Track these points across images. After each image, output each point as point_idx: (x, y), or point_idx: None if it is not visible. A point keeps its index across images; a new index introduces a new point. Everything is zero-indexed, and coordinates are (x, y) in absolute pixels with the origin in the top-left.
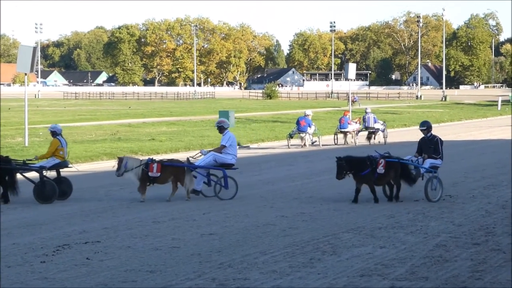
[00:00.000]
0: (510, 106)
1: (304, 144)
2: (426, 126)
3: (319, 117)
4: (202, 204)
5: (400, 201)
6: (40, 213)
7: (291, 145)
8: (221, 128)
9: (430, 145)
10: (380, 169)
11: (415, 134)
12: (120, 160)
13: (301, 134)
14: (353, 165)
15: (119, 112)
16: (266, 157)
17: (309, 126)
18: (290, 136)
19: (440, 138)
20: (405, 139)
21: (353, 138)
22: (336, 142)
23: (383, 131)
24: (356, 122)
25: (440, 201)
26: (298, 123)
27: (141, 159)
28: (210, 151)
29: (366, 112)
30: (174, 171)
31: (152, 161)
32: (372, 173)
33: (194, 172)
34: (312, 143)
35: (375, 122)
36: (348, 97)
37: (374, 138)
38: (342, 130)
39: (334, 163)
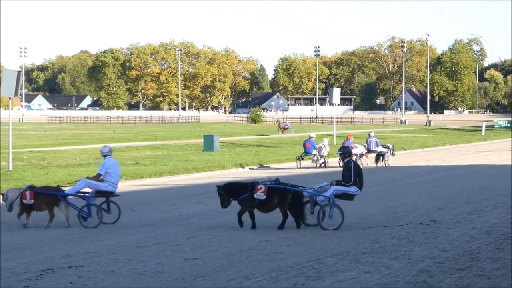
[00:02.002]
0: (495, 132)
1: (316, 165)
2: (341, 151)
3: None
4: (186, 229)
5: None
6: (24, 237)
7: (301, 166)
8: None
9: (345, 171)
10: (259, 195)
11: (399, 159)
12: (2, 196)
13: (311, 156)
14: (231, 192)
15: (104, 136)
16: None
17: (314, 148)
18: (301, 158)
19: (354, 165)
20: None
21: (359, 160)
22: (341, 164)
23: (383, 154)
24: (364, 146)
25: (340, 229)
26: (304, 145)
27: (20, 188)
28: (89, 178)
29: (369, 136)
30: (46, 198)
31: (30, 188)
32: (251, 198)
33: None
34: (320, 165)
35: (376, 145)
36: (279, 124)
37: (382, 160)
38: None
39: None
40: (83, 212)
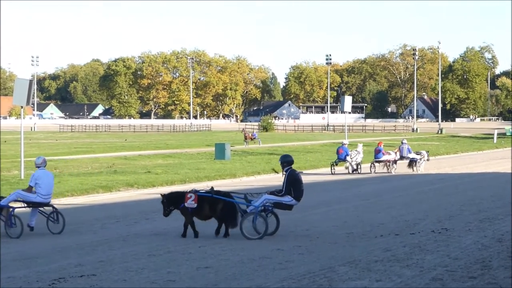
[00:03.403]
0: (507, 139)
1: (350, 171)
2: (281, 161)
3: (315, 150)
4: (198, 237)
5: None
6: (36, 246)
7: (335, 172)
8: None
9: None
10: (190, 203)
11: (405, 166)
12: None
13: (346, 162)
14: (172, 201)
15: (115, 144)
16: (262, 190)
17: (347, 154)
18: (335, 164)
19: (288, 175)
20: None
21: (389, 167)
22: (372, 171)
23: (415, 160)
24: (395, 152)
25: (270, 237)
26: (337, 152)
27: None
28: (23, 190)
29: (402, 143)
30: None
31: None
32: (186, 207)
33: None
34: (353, 171)
35: (409, 152)
36: (244, 134)
37: (415, 166)
38: (377, 160)
39: (330, 196)
40: (8, 223)
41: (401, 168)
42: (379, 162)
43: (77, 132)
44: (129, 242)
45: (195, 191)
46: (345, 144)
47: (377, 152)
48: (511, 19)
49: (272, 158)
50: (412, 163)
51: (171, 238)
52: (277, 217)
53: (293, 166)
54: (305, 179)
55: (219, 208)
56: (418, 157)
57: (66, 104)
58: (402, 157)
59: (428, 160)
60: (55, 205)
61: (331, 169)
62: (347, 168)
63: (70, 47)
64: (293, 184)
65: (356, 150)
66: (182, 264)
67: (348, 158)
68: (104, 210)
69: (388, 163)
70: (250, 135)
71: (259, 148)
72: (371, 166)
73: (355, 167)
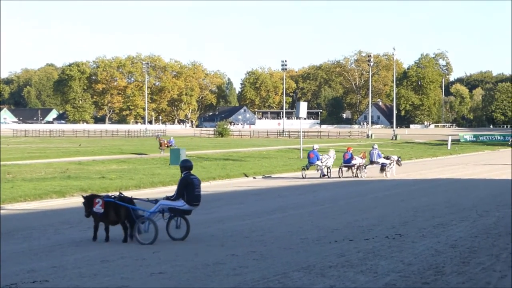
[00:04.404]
0: (460, 146)
1: (320, 176)
2: (180, 165)
3: (270, 155)
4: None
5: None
6: None
7: (306, 176)
8: None
9: None
10: (98, 208)
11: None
12: None
13: (316, 165)
14: (90, 203)
15: (69, 150)
16: (216, 195)
17: (318, 159)
18: (306, 168)
19: (183, 178)
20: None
21: (359, 171)
22: (340, 175)
23: (385, 165)
24: (361, 157)
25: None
26: (308, 156)
27: None
28: None
29: (373, 148)
30: None
31: None
32: (94, 211)
33: None
34: (323, 175)
35: (378, 157)
36: (159, 141)
37: (385, 171)
38: (346, 164)
39: (286, 201)
40: None
41: (372, 173)
42: (347, 167)
43: (31, 137)
44: (82, 247)
45: (104, 197)
46: (315, 148)
47: (347, 157)
48: (467, 26)
49: (228, 164)
50: (383, 168)
51: (124, 244)
52: (187, 222)
53: (250, 171)
54: (263, 184)
55: (123, 214)
56: (387, 162)
57: (20, 109)
58: (372, 162)
59: (399, 165)
60: None
61: (302, 173)
62: (317, 171)
63: (24, 51)
64: (186, 188)
65: (327, 155)
66: (136, 269)
67: (318, 162)
68: (58, 215)
69: (355, 168)
70: (166, 142)
71: (215, 153)
72: (339, 171)
73: (325, 171)
